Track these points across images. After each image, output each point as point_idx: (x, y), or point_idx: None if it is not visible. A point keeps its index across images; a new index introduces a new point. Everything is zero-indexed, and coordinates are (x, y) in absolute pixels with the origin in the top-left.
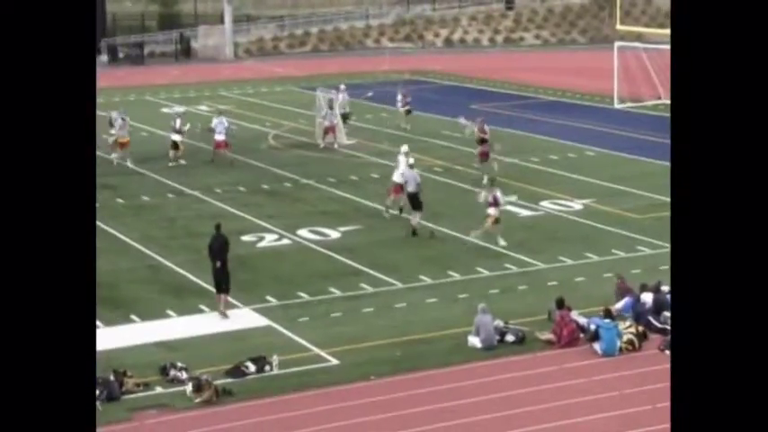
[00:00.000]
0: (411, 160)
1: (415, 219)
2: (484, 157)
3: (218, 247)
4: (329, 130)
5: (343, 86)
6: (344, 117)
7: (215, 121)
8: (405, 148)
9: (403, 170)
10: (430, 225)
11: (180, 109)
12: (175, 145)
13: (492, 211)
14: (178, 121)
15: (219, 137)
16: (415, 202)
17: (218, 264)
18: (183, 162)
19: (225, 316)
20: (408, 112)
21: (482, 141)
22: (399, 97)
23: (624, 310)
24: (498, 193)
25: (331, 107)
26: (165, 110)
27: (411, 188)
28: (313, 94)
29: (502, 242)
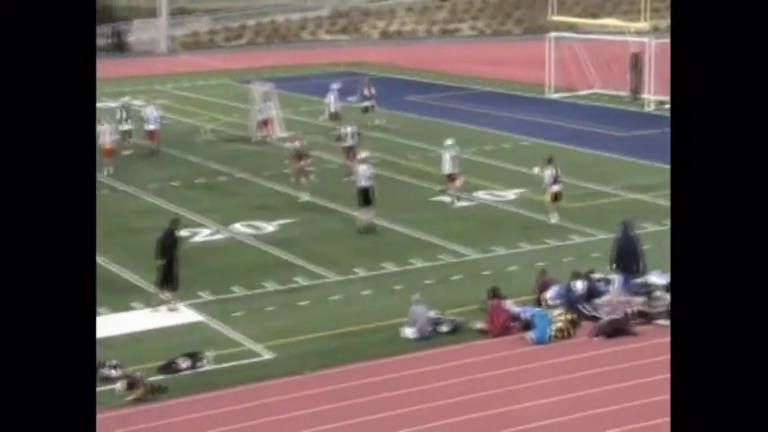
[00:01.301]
0: (363, 155)
1: (368, 215)
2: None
3: (170, 244)
4: (264, 123)
5: (334, 86)
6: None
7: (147, 112)
8: (449, 141)
9: (447, 159)
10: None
11: (124, 100)
12: (128, 134)
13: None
14: (121, 113)
15: (152, 126)
16: (366, 197)
17: (165, 261)
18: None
19: (175, 309)
20: (366, 109)
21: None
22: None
23: (555, 297)
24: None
25: (266, 100)
26: (100, 105)
27: (363, 183)
28: (249, 88)
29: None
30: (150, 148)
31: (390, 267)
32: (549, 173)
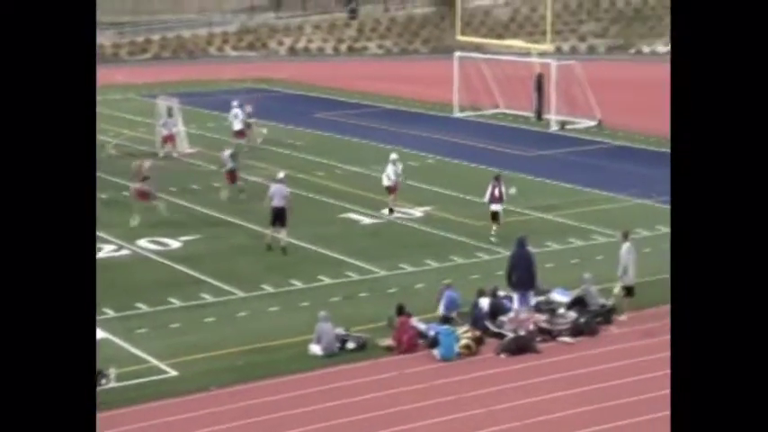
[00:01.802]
0: (281, 174)
1: (280, 234)
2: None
3: None
4: (168, 138)
5: (236, 102)
6: (248, 125)
7: None
8: (393, 155)
9: (390, 173)
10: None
11: None
12: None
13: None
14: None
15: None
16: (281, 217)
17: None
18: None
19: None
20: (248, 126)
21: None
22: (238, 111)
23: (446, 307)
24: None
25: (170, 115)
26: None
27: (277, 202)
28: (154, 103)
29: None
30: None
31: (298, 284)
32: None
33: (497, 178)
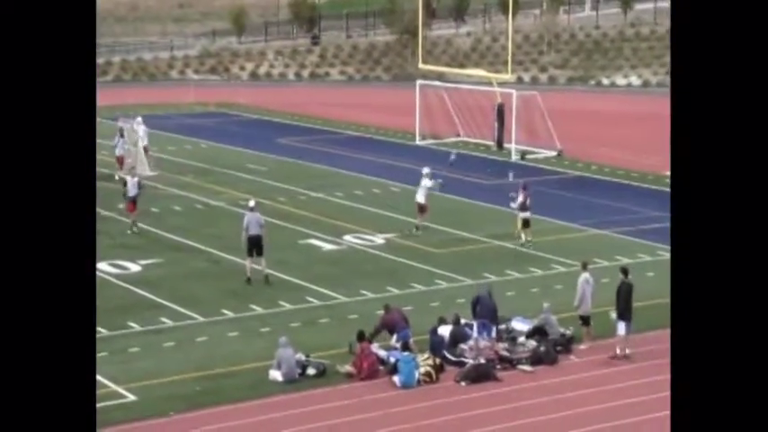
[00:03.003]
0: (252, 203)
1: (260, 264)
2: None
3: None
4: (120, 160)
5: (140, 118)
6: (145, 149)
7: None
8: (426, 169)
9: (424, 191)
10: (232, 258)
11: None
12: None
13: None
14: None
15: None
16: (258, 245)
17: None
18: None
19: None
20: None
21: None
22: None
23: (399, 339)
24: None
25: (122, 136)
26: None
27: (253, 231)
28: (114, 125)
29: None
30: None
31: (258, 309)
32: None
33: (525, 187)
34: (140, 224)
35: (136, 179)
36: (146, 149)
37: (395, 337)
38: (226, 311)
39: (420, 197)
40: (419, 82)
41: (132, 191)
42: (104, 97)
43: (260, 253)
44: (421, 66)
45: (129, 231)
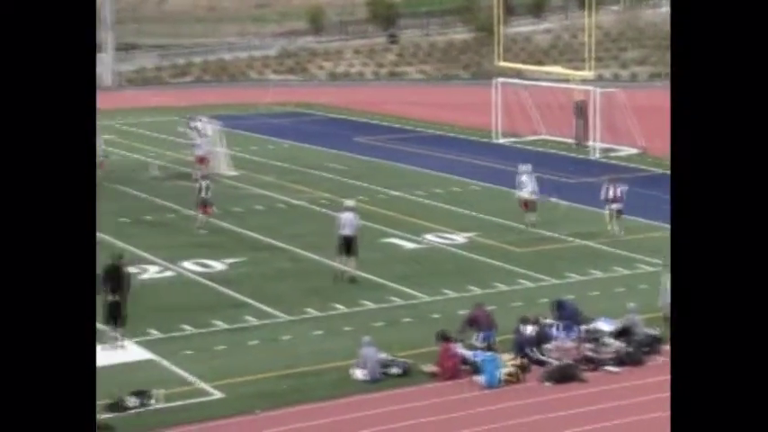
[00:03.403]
0: (350, 203)
1: (350, 265)
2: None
3: (116, 279)
4: (200, 160)
5: (205, 119)
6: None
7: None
8: (526, 167)
9: (531, 188)
10: (315, 257)
11: None
12: None
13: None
14: None
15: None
16: (349, 246)
17: (113, 297)
18: None
19: (123, 346)
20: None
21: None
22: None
23: (483, 339)
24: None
25: (201, 136)
26: None
27: (348, 231)
28: (195, 125)
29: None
30: None
31: (341, 308)
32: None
33: (612, 180)
34: (223, 223)
35: (208, 181)
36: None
37: (479, 336)
38: (309, 310)
39: (524, 193)
40: (497, 79)
41: (206, 192)
42: (185, 97)
43: (352, 253)
44: (499, 63)
45: (201, 231)
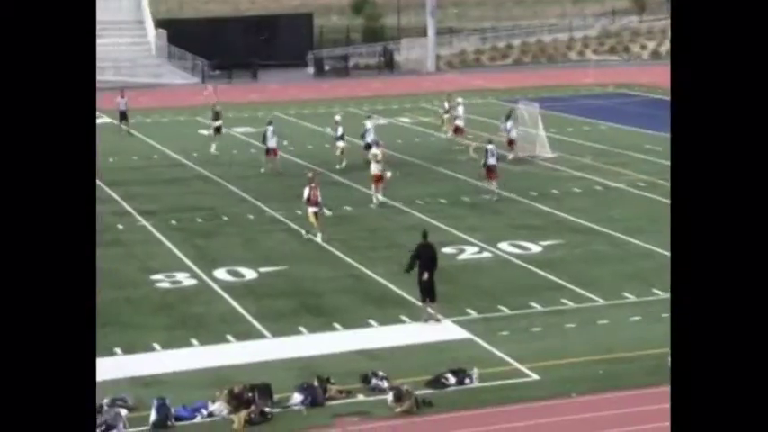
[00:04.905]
0: None
1: None
2: None
3: (428, 257)
4: (510, 142)
5: (524, 102)
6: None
7: (367, 126)
8: None
9: None
10: (634, 241)
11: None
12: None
13: None
14: (339, 129)
15: (271, 144)
16: None
17: (426, 275)
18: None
19: (437, 320)
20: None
21: None
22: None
23: None
24: None
25: (508, 118)
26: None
27: None
28: (513, 108)
29: None
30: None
31: (661, 294)
32: None
33: None
34: (540, 205)
35: (493, 146)
36: (376, 143)
37: None
38: (627, 295)
39: None
40: None
41: (491, 159)
42: (503, 80)
43: None
44: None
45: (492, 198)
